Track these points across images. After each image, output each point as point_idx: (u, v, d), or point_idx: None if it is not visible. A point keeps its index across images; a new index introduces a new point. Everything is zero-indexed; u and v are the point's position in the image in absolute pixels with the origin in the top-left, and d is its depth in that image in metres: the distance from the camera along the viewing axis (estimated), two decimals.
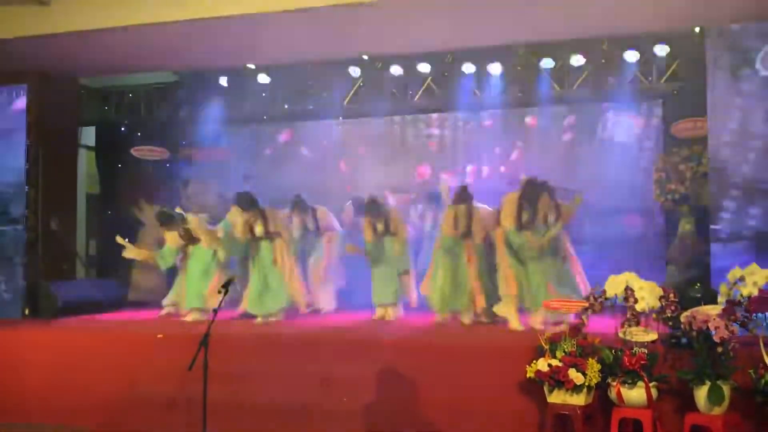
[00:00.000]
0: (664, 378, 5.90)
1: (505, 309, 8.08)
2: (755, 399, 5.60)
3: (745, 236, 7.70)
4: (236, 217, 9.43)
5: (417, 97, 11.32)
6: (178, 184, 12.12)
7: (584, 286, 8.51)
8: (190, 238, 9.76)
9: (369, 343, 7.26)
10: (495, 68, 10.68)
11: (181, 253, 9.94)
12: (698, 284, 7.60)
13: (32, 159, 10.09)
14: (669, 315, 5.92)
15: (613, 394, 5.86)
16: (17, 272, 9.90)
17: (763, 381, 5.54)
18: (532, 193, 8.17)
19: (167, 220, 9.98)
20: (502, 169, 11.37)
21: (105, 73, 11.63)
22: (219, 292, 5.93)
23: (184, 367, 5.58)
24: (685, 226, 9.95)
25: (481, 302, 8.45)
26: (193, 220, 9.69)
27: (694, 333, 5.73)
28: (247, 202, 9.29)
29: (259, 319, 9.04)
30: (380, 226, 9.27)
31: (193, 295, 9.55)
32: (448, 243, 8.68)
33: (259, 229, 9.18)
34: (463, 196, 8.77)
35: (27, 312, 9.74)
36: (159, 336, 7.87)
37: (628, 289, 5.97)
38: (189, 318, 9.45)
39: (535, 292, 7.97)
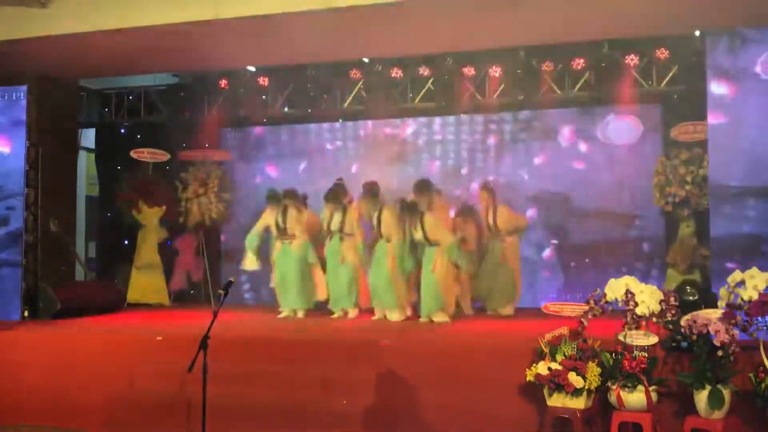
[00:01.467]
0: (664, 382, 5.89)
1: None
2: (755, 403, 5.60)
3: (745, 240, 7.68)
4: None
5: (417, 99, 11.32)
6: (178, 187, 12.11)
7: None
8: (283, 233, 9.85)
9: (369, 346, 7.25)
10: (495, 71, 10.70)
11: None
12: (689, 288, 7.58)
13: (32, 160, 10.08)
14: (669, 318, 5.92)
15: (613, 397, 5.86)
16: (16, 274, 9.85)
17: (763, 385, 5.53)
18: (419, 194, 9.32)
19: (273, 199, 10.03)
20: (501, 170, 11.40)
21: (105, 74, 11.64)
22: (219, 294, 5.93)
23: (183, 368, 5.58)
24: (685, 229, 9.95)
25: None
26: (293, 212, 9.84)
27: (695, 337, 5.72)
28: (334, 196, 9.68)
29: (335, 314, 9.64)
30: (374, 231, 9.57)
31: (290, 292, 9.79)
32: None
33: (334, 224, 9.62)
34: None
35: (26, 314, 9.71)
36: (158, 338, 7.86)
37: (629, 293, 5.96)
38: (282, 315, 9.77)
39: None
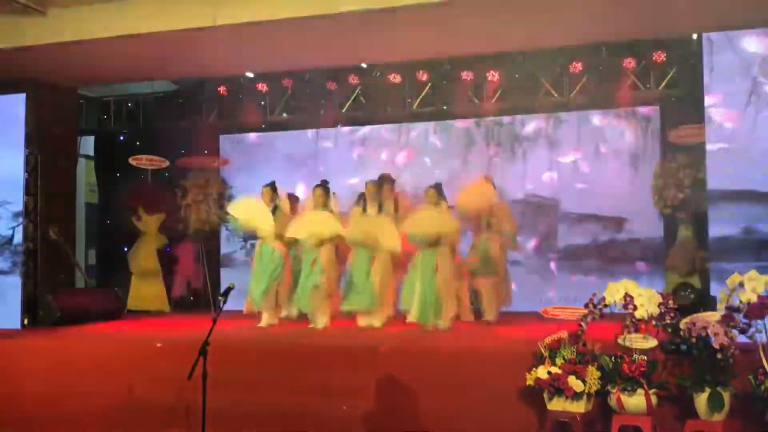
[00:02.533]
0: (664, 385, 5.89)
1: None
2: (755, 405, 5.60)
3: (743, 242, 7.69)
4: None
5: (415, 104, 11.34)
6: (177, 194, 12.11)
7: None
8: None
9: (368, 351, 7.25)
10: (493, 76, 10.71)
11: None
12: (683, 291, 7.58)
13: (31, 168, 10.09)
14: (668, 322, 5.91)
15: (612, 401, 5.85)
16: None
17: (762, 387, 5.53)
18: None
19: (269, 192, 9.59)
20: (500, 176, 11.41)
21: (104, 82, 11.65)
22: (219, 300, 5.93)
23: (183, 375, 5.58)
24: (684, 232, 9.96)
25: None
26: (285, 211, 9.47)
27: (694, 339, 5.73)
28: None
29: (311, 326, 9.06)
30: None
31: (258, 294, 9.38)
32: None
33: None
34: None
35: (26, 322, 9.71)
36: (158, 345, 7.86)
37: (627, 296, 5.96)
38: (262, 323, 9.33)
39: None
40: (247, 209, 9.47)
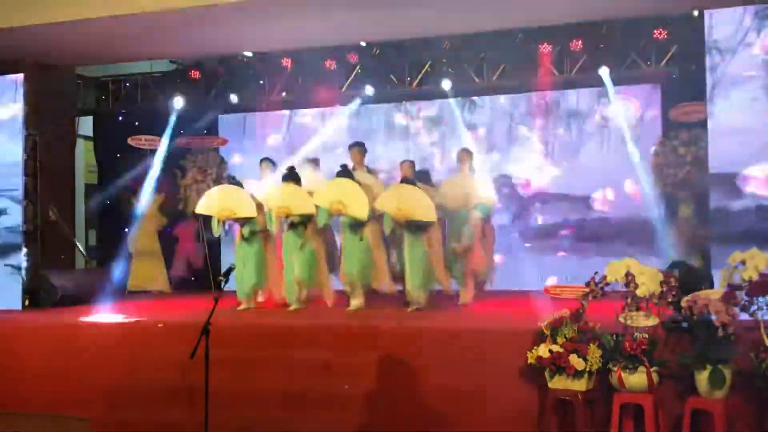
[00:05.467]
0: (665, 363, 5.89)
1: None
2: (756, 383, 5.61)
3: (744, 221, 7.67)
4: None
5: (415, 83, 11.30)
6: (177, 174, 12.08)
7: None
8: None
9: (369, 330, 7.26)
10: (493, 54, 10.66)
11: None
12: (673, 268, 7.55)
13: (29, 149, 10.06)
14: (670, 300, 5.91)
15: (614, 379, 5.86)
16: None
17: (763, 365, 5.53)
18: None
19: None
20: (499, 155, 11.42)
21: (103, 61, 11.60)
22: (220, 280, 5.93)
23: (185, 355, 5.58)
24: (685, 210, 9.94)
25: None
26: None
27: (695, 317, 5.73)
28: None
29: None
30: None
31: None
32: None
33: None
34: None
35: (26, 302, 9.72)
36: (159, 325, 7.87)
37: (629, 275, 5.95)
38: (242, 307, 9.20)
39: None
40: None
